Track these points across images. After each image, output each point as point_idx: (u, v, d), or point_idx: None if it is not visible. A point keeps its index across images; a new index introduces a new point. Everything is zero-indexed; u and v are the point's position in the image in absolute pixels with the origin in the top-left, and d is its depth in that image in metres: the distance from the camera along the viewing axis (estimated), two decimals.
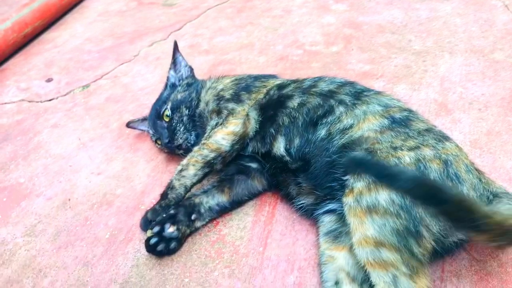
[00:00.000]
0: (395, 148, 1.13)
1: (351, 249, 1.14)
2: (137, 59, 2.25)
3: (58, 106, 2.00)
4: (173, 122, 1.53)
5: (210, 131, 1.41)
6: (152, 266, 1.28)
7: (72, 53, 2.39)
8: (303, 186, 1.29)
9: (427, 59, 1.90)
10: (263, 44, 2.18)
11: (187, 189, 1.36)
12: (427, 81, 1.78)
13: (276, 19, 2.40)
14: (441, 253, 1.13)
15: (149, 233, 1.30)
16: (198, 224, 1.36)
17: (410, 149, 1.12)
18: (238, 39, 2.26)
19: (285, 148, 1.33)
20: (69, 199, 1.53)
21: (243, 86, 1.49)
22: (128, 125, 1.71)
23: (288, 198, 1.37)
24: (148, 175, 1.57)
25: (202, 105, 1.53)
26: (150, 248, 1.28)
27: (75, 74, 2.20)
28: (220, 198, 1.39)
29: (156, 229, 1.30)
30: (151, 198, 1.48)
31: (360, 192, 1.09)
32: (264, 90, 1.46)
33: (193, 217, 1.34)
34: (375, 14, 2.29)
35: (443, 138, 1.19)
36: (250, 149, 1.42)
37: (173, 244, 1.30)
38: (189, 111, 1.54)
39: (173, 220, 1.32)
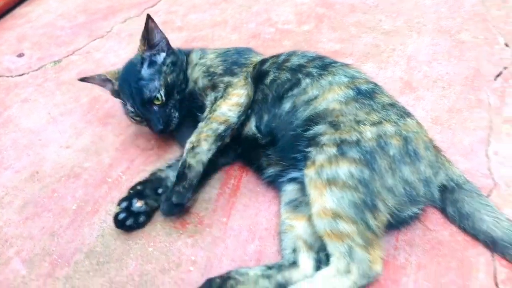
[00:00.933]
0: (358, 122, 1.17)
1: (309, 219, 1.18)
2: (110, 35, 2.24)
3: (29, 81, 1.99)
4: (167, 108, 1.43)
5: (213, 105, 1.39)
6: (117, 236, 1.31)
7: (45, 28, 2.37)
8: (271, 158, 1.33)
9: (396, 38, 1.93)
10: (236, 22, 2.19)
11: (204, 165, 1.31)
12: (394, 60, 1.81)
13: None
14: (396, 225, 1.18)
15: (117, 208, 1.32)
16: None
17: (373, 124, 1.16)
18: (211, 17, 2.26)
19: (256, 125, 1.36)
20: (37, 172, 1.54)
21: (232, 62, 1.47)
22: (82, 79, 1.56)
23: (258, 170, 1.40)
24: (117, 149, 1.59)
25: (191, 84, 1.49)
26: (119, 224, 1.30)
27: (47, 50, 2.19)
28: None
29: (124, 204, 1.32)
30: (119, 171, 1.50)
31: (321, 165, 1.12)
32: (251, 66, 1.47)
33: (159, 191, 1.36)
34: None
35: (405, 114, 1.23)
36: None
37: (141, 218, 1.32)
38: (179, 95, 1.46)
39: (140, 195, 1.34)
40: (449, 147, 1.42)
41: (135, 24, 2.29)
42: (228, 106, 1.36)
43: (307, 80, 1.31)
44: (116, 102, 1.72)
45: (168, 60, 1.46)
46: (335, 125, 1.17)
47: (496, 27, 1.92)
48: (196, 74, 1.48)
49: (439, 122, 1.51)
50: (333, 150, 1.13)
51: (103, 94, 1.79)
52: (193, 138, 1.33)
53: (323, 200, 1.09)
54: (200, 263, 1.22)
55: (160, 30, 1.47)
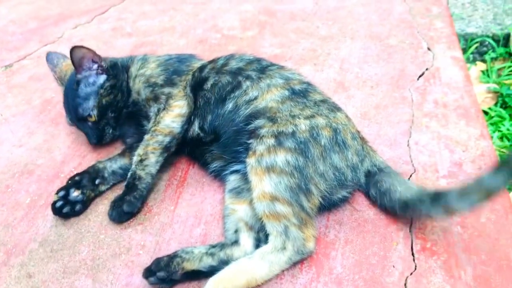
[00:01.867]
0: (293, 116, 1.30)
1: (250, 203, 1.30)
2: (61, 41, 2.31)
3: None
4: (100, 125, 1.54)
5: (156, 117, 1.48)
6: (70, 226, 1.39)
7: None
8: (215, 153, 1.44)
9: (331, 43, 2.10)
10: (184, 28, 2.31)
11: (153, 177, 1.43)
12: (329, 63, 1.98)
13: (198, 6, 2.53)
14: (327, 207, 1.33)
15: (55, 197, 1.40)
16: (102, 188, 1.48)
17: (306, 117, 1.30)
18: (160, 23, 2.37)
19: (199, 126, 1.47)
20: None
21: (172, 71, 1.56)
22: (49, 55, 1.69)
23: (204, 165, 1.51)
24: (69, 147, 1.66)
25: (134, 95, 1.57)
26: (56, 211, 1.39)
27: None
28: (122, 161, 1.52)
29: (62, 193, 1.41)
30: (71, 167, 1.58)
31: (261, 154, 1.25)
32: (191, 73, 1.57)
33: (97, 181, 1.46)
34: (289, 3, 2.48)
35: (335, 109, 1.39)
36: None
37: (78, 207, 1.41)
38: (115, 113, 1.55)
39: (78, 185, 1.43)
40: (376, 138, 1.58)
41: (86, 30, 2.37)
42: (171, 118, 1.47)
43: (248, 83, 1.43)
44: None
45: (107, 84, 1.54)
46: (273, 119, 1.31)
47: (421, 33, 2.13)
48: (137, 85, 1.57)
49: (367, 117, 1.68)
50: (271, 141, 1.25)
51: (55, 96, 1.86)
52: (140, 151, 1.44)
53: (263, 185, 1.22)
54: (149, 247, 1.32)
55: (95, 56, 1.52)
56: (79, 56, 1.49)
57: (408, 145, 1.56)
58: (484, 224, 1.30)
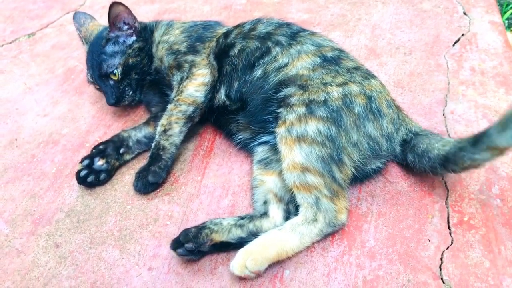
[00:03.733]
0: (325, 84, 1.24)
1: (279, 174, 1.26)
2: (83, 8, 2.26)
3: (3, 53, 2.01)
4: (122, 85, 1.51)
5: (179, 86, 1.45)
6: (97, 196, 1.37)
7: (17, 2, 2.38)
8: (241, 123, 1.40)
9: (362, 8, 2.01)
10: None
11: (178, 147, 1.40)
12: (359, 29, 1.89)
13: None
14: (360, 178, 1.28)
15: (79, 166, 1.39)
16: (127, 157, 1.46)
17: (339, 85, 1.24)
18: None
19: (226, 94, 1.42)
20: (16, 139, 1.58)
21: (196, 37, 1.52)
22: (76, 15, 1.66)
23: (229, 136, 1.47)
24: (93, 116, 1.64)
25: (156, 62, 1.55)
26: (81, 180, 1.38)
27: (20, 23, 2.20)
28: (146, 130, 1.49)
29: (86, 162, 1.39)
30: (96, 137, 1.56)
31: (291, 123, 1.20)
32: (215, 39, 1.51)
33: (121, 150, 1.44)
34: None
35: (369, 76, 1.32)
36: None
37: (102, 176, 1.39)
38: (138, 76, 1.53)
39: (102, 154, 1.41)
40: (410, 107, 1.51)
41: None
42: (195, 87, 1.43)
43: (277, 49, 1.37)
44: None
45: (136, 45, 1.52)
46: (303, 87, 1.25)
47: None
48: (160, 52, 1.53)
49: (401, 85, 1.61)
50: (302, 109, 1.20)
51: (78, 65, 1.83)
52: (164, 121, 1.40)
53: (293, 155, 1.18)
54: (176, 217, 1.29)
55: (130, 16, 1.50)
56: (115, 13, 1.48)
57: (443, 115, 1.49)
58: None
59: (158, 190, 1.36)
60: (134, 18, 1.52)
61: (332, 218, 1.16)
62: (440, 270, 1.11)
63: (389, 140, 1.24)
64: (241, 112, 1.39)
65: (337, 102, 1.20)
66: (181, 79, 1.46)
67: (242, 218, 1.22)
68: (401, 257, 1.14)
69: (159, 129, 1.40)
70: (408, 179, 1.32)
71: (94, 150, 1.42)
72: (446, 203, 1.25)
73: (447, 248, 1.15)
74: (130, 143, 1.45)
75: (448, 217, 1.22)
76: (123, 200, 1.35)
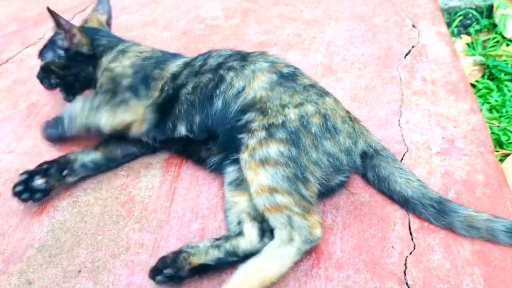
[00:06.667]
0: (283, 106, 1.29)
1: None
2: (42, 42, 2.26)
3: None
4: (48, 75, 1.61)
5: (98, 104, 1.45)
6: (67, 229, 1.38)
7: None
8: (212, 150, 1.43)
9: (316, 27, 2.09)
10: (166, 21, 2.28)
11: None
12: (315, 47, 1.96)
13: None
14: (325, 193, 1.32)
15: (17, 178, 1.39)
16: (69, 179, 1.46)
17: (296, 106, 1.29)
18: (142, 17, 2.34)
19: (187, 129, 1.43)
20: None
21: (142, 77, 1.48)
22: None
23: (199, 161, 1.49)
24: (59, 150, 1.64)
25: (97, 86, 1.56)
26: (15, 194, 1.38)
27: None
28: (94, 155, 1.50)
29: (24, 176, 1.40)
30: None
31: (253, 147, 1.24)
32: (160, 85, 1.48)
33: (64, 172, 1.44)
34: None
35: (324, 93, 1.37)
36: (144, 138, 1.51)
37: (38, 195, 1.40)
38: (60, 81, 1.61)
39: (44, 173, 1.42)
40: (367, 120, 1.58)
41: None
42: (107, 118, 1.44)
43: (231, 74, 1.39)
44: (55, 106, 1.78)
45: (58, 61, 1.59)
46: (263, 111, 1.30)
47: (404, 11, 2.12)
48: (102, 79, 1.53)
49: (357, 99, 1.68)
50: (262, 133, 1.25)
51: (41, 99, 1.84)
52: None
53: (259, 178, 1.21)
54: (147, 245, 1.31)
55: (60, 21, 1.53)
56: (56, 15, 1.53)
57: (399, 125, 1.57)
58: (480, 198, 1.31)
59: (128, 219, 1.38)
60: (69, 26, 1.54)
61: (307, 235, 1.18)
62: (405, 275, 1.16)
63: (348, 154, 1.29)
64: (211, 141, 1.42)
65: (294, 124, 1.25)
66: (106, 101, 1.47)
67: (218, 239, 1.24)
68: (367, 265, 1.19)
69: None
70: (369, 189, 1.38)
71: (37, 168, 1.43)
72: (406, 211, 1.31)
73: (410, 253, 1.21)
74: (75, 167, 1.46)
75: (409, 224, 1.28)
76: (94, 231, 1.36)
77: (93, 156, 1.49)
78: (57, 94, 1.71)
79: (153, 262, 1.22)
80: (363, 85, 1.73)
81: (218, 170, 1.45)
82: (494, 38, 2.39)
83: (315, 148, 1.24)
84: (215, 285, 1.20)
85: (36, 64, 2.03)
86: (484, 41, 2.42)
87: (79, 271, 1.26)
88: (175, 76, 1.49)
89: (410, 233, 1.25)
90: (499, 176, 1.37)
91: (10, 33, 2.39)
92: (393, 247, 1.22)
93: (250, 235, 1.25)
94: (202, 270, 1.20)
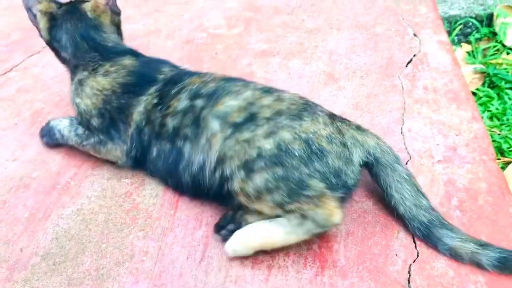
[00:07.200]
0: (249, 142, 1.19)
1: None
2: (46, 50, 2.27)
3: None
4: None
5: (81, 137, 1.51)
6: (71, 237, 1.38)
7: None
8: None
9: (318, 35, 2.11)
10: (169, 30, 2.30)
11: None
12: (317, 55, 1.98)
13: (182, 5, 2.52)
14: None
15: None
16: None
17: (267, 136, 1.18)
18: (145, 26, 2.36)
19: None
20: None
21: (109, 121, 1.45)
22: None
23: None
24: (63, 157, 1.65)
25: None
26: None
27: None
28: None
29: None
30: (67, 178, 1.57)
31: (241, 189, 1.19)
32: (129, 133, 1.44)
33: None
34: None
35: (298, 114, 1.23)
36: None
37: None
38: None
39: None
40: (370, 128, 1.56)
41: None
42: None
43: (187, 147, 1.32)
44: (59, 114, 1.79)
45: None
46: (230, 158, 1.21)
47: (406, 20, 2.14)
48: (74, 106, 1.53)
49: (360, 107, 1.69)
50: (241, 174, 1.18)
51: (45, 107, 1.85)
52: None
53: (263, 207, 1.20)
54: (152, 252, 1.32)
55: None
56: None
57: (401, 133, 1.58)
58: (482, 206, 1.32)
59: (132, 227, 1.39)
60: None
61: (322, 221, 1.16)
62: (409, 283, 1.17)
63: (337, 176, 1.20)
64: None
65: (272, 152, 1.16)
66: (82, 133, 1.53)
67: None
68: (371, 273, 1.19)
69: None
70: (373, 197, 1.38)
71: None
72: None
73: (414, 261, 1.21)
74: None
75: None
76: (98, 239, 1.37)
77: None
78: (61, 102, 1.73)
79: (157, 269, 1.23)
80: (365, 93, 1.75)
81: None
82: (494, 47, 2.40)
83: (305, 165, 1.15)
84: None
85: (41, 72, 2.07)
86: (484, 50, 2.43)
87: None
88: (139, 130, 1.42)
89: (414, 241, 1.26)
90: (502, 183, 1.38)
91: (13, 42, 2.40)
92: (396, 255, 1.23)
93: None
94: None
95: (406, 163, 1.47)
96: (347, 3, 2.32)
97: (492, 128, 1.95)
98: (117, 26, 1.62)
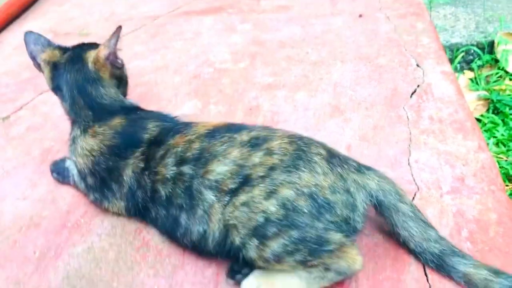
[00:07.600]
0: (248, 205, 1.14)
1: None
2: None
3: None
4: None
5: (87, 189, 1.53)
6: (82, 276, 1.39)
7: None
8: None
9: (322, 68, 2.14)
10: (177, 65, 2.34)
11: None
12: (322, 88, 2.01)
13: (188, 41, 2.57)
14: None
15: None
16: None
17: (267, 197, 1.13)
18: (153, 62, 2.40)
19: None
20: None
21: (101, 182, 1.48)
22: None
23: None
24: (73, 196, 1.66)
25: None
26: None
27: None
28: None
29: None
30: (77, 216, 1.58)
31: (260, 256, 1.15)
32: (123, 192, 1.44)
33: None
34: (276, 31, 2.53)
35: (294, 166, 1.17)
36: None
37: None
38: None
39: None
40: (377, 160, 1.60)
41: None
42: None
43: (184, 217, 1.29)
44: (68, 152, 1.81)
45: None
46: (234, 227, 1.17)
47: (408, 50, 2.17)
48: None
49: (366, 139, 1.70)
50: (254, 242, 1.13)
51: (55, 144, 1.87)
52: None
53: (283, 267, 1.16)
54: None
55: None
56: None
57: (409, 164, 1.58)
58: (493, 238, 1.32)
59: (142, 265, 1.39)
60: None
61: (345, 270, 1.18)
62: None
63: (347, 223, 1.19)
64: None
65: (280, 213, 1.11)
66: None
67: None
68: None
69: None
70: (383, 231, 1.38)
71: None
72: None
73: None
74: None
75: (424, 264, 1.28)
76: (109, 278, 1.37)
77: None
78: None
79: None
80: (371, 125, 1.76)
81: None
82: (496, 73, 2.43)
83: (318, 220, 1.12)
84: None
85: (50, 110, 2.10)
86: (487, 76, 2.46)
87: None
88: (133, 193, 1.42)
89: (425, 274, 1.25)
90: None
91: (23, 80, 2.45)
92: None
93: None
94: None
95: (414, 195, 1.47)
96: (349, 35, 2.36)
97: (498, 154, 1.95)
98: (120, 78, 1.60)
